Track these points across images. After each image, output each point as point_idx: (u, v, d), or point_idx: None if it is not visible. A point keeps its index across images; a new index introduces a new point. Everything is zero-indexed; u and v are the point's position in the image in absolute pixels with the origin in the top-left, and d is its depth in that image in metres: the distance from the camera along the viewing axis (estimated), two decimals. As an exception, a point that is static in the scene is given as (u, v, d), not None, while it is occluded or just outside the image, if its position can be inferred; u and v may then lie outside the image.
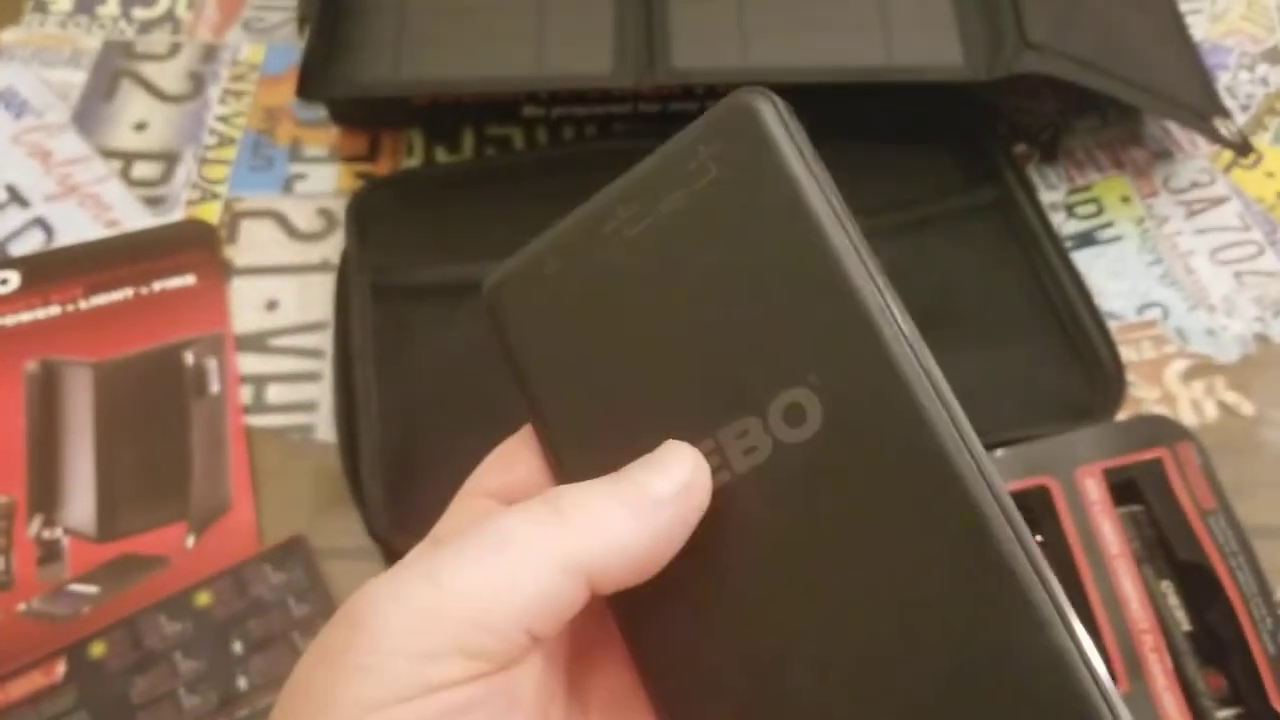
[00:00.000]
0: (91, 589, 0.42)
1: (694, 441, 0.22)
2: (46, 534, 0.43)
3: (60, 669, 0.40)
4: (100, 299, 0.48)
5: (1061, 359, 0.45)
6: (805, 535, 0.21)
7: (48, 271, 0.49)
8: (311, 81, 0.47)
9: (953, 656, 0.20)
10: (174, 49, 0.56)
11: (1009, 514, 0.20)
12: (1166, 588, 0.39)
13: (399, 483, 0.42)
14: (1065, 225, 0.50)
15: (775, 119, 0.22)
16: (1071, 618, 0.19)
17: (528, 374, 0.24)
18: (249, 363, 0.47)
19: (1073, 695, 0.19)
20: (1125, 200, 0.51)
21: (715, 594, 0.22)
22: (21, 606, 0.41)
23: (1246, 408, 0.45)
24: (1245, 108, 0.54)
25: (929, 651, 0.20)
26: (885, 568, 0.20)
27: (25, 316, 0.48)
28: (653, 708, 0.23)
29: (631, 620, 0.23)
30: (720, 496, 0.22)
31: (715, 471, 0.22)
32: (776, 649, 0.21)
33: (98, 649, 0.40)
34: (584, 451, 0.23)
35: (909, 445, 0.20)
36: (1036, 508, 0.40)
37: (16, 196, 0.51)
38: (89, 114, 0.54)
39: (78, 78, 0.55)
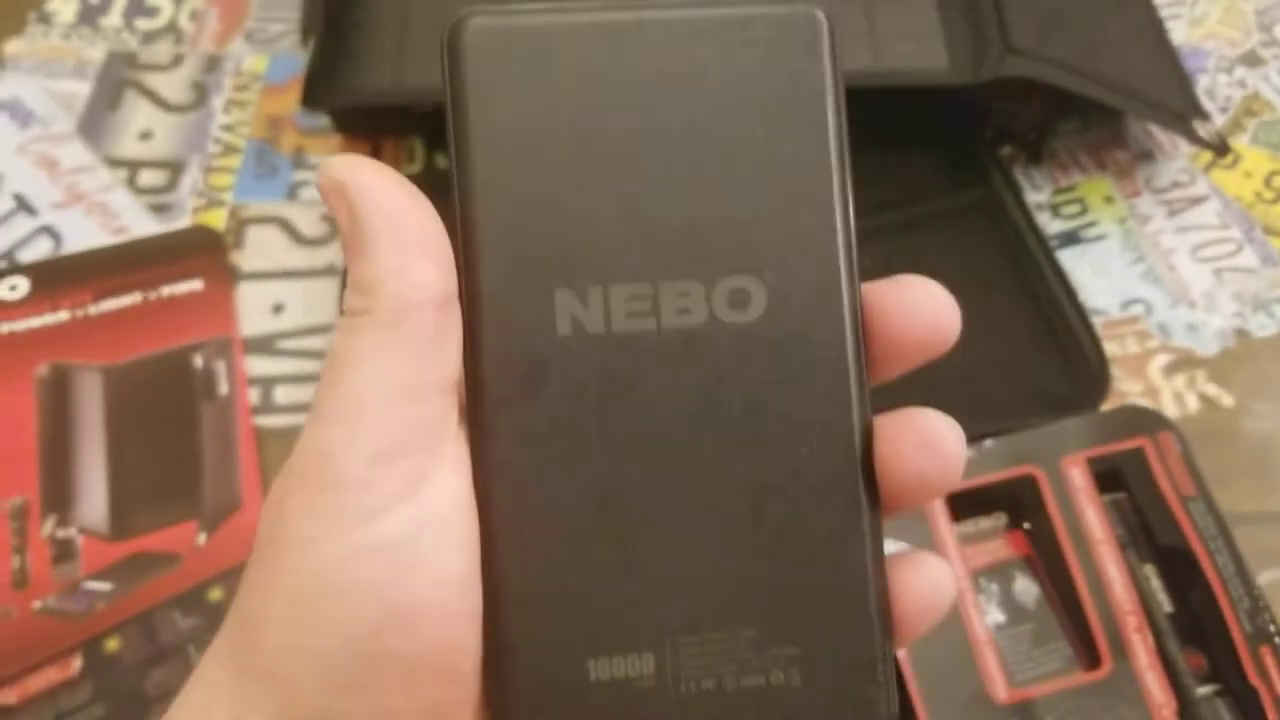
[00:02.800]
0: (105, 586, 0.43)
1: (632, 279, 0.23)
2: (60, 533, 0.44)
3: (76, 664, 0.41)
4: (109, 304, 0.49)
5: (1048, 354, 0.46)
6: (700, 404, 0.23)
7: (57, 277, 0.50)
8: (316, 92, 0.48)
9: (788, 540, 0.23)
10: (177, 59, 0.57)
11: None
12: (1149, 571, 0.40)
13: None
14: (1050, 225, 0.51)
15: (828, 37, 0.23)
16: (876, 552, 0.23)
17: (474, 149, 0.23)
18: (257, 365, 0.48)
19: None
20: (1108, 200, 0.52)
21: (592, 419, 0.23)
22: (37, 604, 0.42)
23: (1226, 399, 0.46)
24: (1224, 109, 0.55)
25: (765, 534, 0.23)
26: (755, 450, 0.23)
27: (35, 322, 0.49)
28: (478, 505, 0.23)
29: (488, 417, 0.23)
30: (639, 340, 0.23)
31: (642, 316, 0.23)
32: (628, 488, 0.22)
33: (113, 644, 0.41)
34: (505, 241, 0.23)
35: (825, 372, 0.23)
36: (1023, 496, 0.41)
37: (24, 205, 0.52)
38: (94, 124, 0.55)
39: (82, 88, 0.56)
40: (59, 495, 0.45)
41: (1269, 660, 0.37)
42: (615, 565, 0.22)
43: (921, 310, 0.23)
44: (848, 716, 0.23)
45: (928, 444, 0.22)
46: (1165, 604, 0.40)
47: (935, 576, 0.24)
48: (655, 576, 0.22)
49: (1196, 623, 0.39)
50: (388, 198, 0.21)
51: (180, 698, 0.23)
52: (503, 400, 0.22)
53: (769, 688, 0.22)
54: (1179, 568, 0.40)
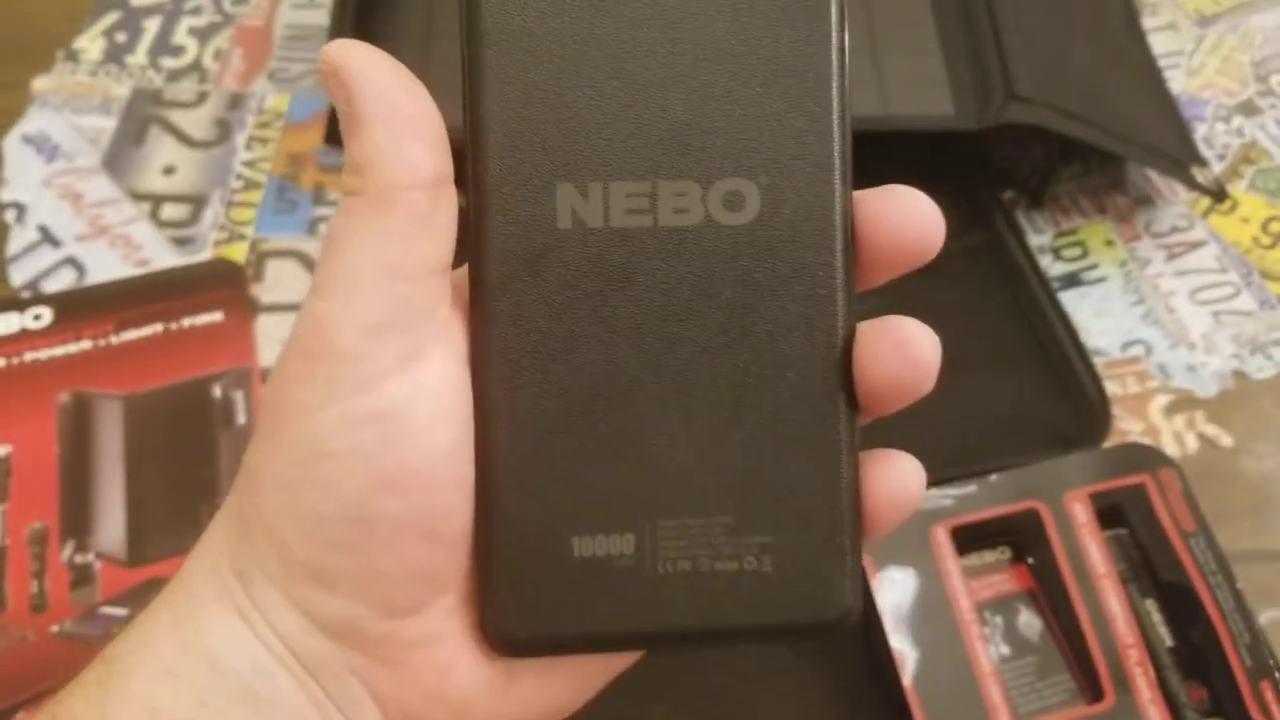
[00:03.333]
0: (122, 611, 0.43)
1: (632, 177, 0.23)
2: (78, 559, 0.44)
3: (92, 688, 0.41)
4: (130, 334, 0.50)
5: (1050, 393, 0.47)
6: (691, 300, 0.24)
7: (79, 308, 0.51)
8: (339, 129, 0.49)
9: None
10: (201, 97, 0.59)
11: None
12: (1150, 606, 0.41)
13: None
14: (1052, 267, 0.52)
15: None
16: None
17: (484, 46, 0.24)
18: (274, 395, 0.49)
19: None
20: (1109, 244, 0.53)
21: (587, 308, 0.24)
22: (55, 628, 0.43)
23: (1225, 439, 0.47)
24: (1221, 157, 0.56)
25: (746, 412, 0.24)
26: (741, 347, 0.24)
27: (58, 351, 0.50)
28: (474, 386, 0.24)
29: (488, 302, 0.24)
30: (635, 236, 0.23)
31: (640, 213, 0.23)
32: (618, 376, 0.24)
33: (129, 668, 0.42)
34: (510, 135, 0.23)
35: (813, 275, 0.24)
36: (1027, 530, 0.42)
37: (48, 237, 0.53)
38: (119, 158, 0.56)
39: (108, 124, 0.58)
40: (78, 521, 0.45)
41: (1269, 694, 0.38)
42: (602, 448, 0.24)
43: (909, 218, 0.24)
44: (814, 603, 0.24)
45: (903, 349, 0.23)
46: (1166, 638, 0.40)
47: (905, 472, 0.24)
48: (639, 461, 0.24)
49: (1198, 657, 0.39)
50: (381, 79, 0.22)
51: (190, 557, 0.24)
52: (502, 285, 0.23)
53: (741, 572, 0.24)
54: (1180, 603, 0.40)
